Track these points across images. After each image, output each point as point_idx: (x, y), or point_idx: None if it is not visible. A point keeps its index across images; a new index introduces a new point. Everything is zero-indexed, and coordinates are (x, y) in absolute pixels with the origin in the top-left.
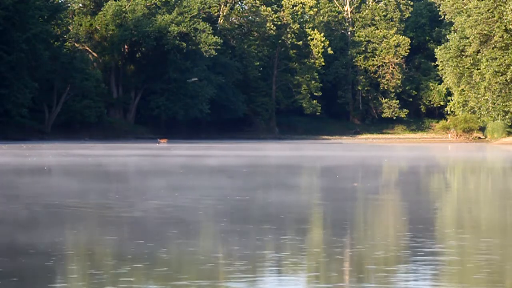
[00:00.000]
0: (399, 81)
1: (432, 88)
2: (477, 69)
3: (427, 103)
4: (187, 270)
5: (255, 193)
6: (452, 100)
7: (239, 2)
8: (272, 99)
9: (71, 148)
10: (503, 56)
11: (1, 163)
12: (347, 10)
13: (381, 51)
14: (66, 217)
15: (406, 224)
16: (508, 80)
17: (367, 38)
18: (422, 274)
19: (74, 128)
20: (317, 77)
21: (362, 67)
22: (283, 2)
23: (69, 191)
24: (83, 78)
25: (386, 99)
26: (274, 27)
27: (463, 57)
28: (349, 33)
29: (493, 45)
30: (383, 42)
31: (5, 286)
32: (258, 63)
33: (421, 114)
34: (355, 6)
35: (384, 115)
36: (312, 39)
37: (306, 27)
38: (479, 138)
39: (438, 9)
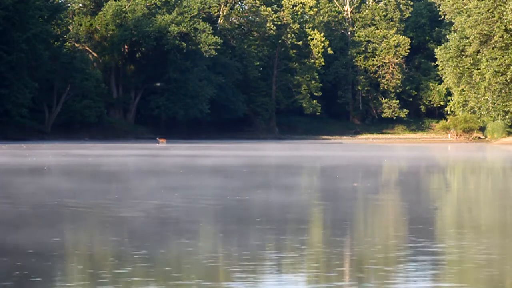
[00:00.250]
0: (399, 81)
1: (432, 88)
2: (477, 69)
3: (427, 103)
4: (187, 270)
5: (255, 193)
6: (452, 100)
7: (239, 2)
8: (272, 99)
9: (71, 148)
10: (503, 56)
11: (1, 163)
12: (347, 10)
13: (381, 51)
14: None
15: (406, 224)
16: (508, 80)
17: (367, 38)
18: (422, 274)
19: (74, 128)
20: (317, 77)
21: (362, 67)
22: (283, 2)
23: (69, 191)
24: (83, 78)
25: (386, 99)
26: (274, 27)
27: (463, 57)
28: (349, 33)
29: (493, 45)
30: (383, 42)
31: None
32: (258, 63)
33: (421, 114)
34: (355, 6)
35: (384, 115)
36: (312, 39)
37: (306, 27)
38: (479, 138)
39: (438, 9)
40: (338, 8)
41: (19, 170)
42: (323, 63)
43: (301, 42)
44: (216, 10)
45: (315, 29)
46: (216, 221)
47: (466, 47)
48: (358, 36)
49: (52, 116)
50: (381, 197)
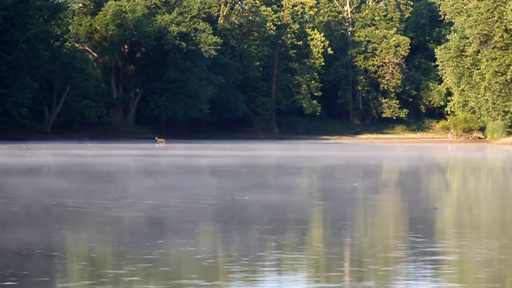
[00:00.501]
0: (399, 81)
1: (432, 88)
2: (477, 69)
3: (427, 103)
4: (187, 270)
5: (255, 193)
6: (452, 100)
7: (239, 2)
8: (272, 99)
9: (71, 148)
10: (503, 56)
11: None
12: (347, 10)
13: (381, 51)
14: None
15: (406, 224)
16: (508, 80)
17: (367, 38)
18: (422, 274)
19: (74, 128)
20: (317, 77)
21: (362, 67)
22: (283, 2)
23: (69, 191)
24: (83, 78)
25: (386, 99)
26: (274, 27)
27: (463, 57)
28: (349, 33)
29: (493, 45)
30: (383, 42)
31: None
32: (258, 63)
33: (421, 114)
34: (355, 6)
35: (384, 115)
36: (312, 39)
37: (306, 27)
38: (479, 138)
39: (438, 9)
40: (338, 8)
41: (19, 170)
42: (323, 63)
43: (301, 42)
44: (216, 10)
45: (315, 29)
46: (215, 221)
47: (466, 47)
48: (358, 36)
49: (52, 116)
50: (381, 197)
